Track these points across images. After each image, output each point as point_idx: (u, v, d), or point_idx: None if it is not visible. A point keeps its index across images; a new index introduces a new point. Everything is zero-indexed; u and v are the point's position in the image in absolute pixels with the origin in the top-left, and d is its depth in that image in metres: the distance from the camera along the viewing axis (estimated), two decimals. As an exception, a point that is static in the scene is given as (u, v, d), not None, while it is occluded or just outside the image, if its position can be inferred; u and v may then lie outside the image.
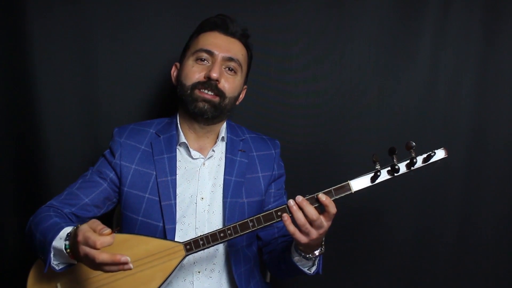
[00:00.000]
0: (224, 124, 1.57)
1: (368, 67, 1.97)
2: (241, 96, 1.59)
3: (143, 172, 1.46)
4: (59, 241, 1.20)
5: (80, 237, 1.09)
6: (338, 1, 1.94)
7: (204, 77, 1.44)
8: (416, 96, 1.99)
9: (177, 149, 1.50)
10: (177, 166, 1.48)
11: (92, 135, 1.91)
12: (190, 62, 1.48)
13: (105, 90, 1.90)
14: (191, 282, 1.45)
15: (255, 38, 1.92)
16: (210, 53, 1.46)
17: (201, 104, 1.44)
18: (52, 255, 1.21)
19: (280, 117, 1.98)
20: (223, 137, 1.53)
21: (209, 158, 1.51)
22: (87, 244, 1.08)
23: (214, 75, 1.42)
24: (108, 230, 1.10)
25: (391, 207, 2.03)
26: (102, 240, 1.06)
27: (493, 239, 2.02)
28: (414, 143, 1.20)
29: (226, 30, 1.50)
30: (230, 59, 1.47)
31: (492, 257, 2.03)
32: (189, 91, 1.45)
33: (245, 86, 1.60)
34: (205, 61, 1.46)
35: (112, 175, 1.48)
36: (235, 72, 1.49)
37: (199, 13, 1.56)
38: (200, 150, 1.52)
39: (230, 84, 1.47)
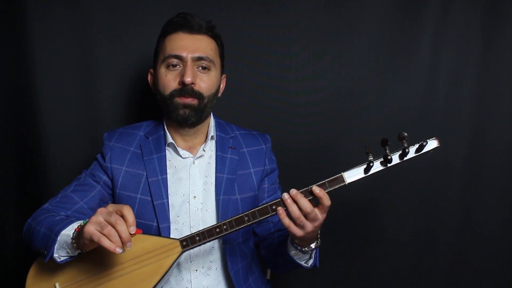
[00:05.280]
0: (212, 123, 1.56)
1: (368, 67, 1.98)
2: (221, 86, 1.57)
3: (134, 173, 1.47)
4: (69, 230, 1.23)
5: (110, 208, 1.16)
6: (337, 0, 1.95)
7: (179, 83, 1.42)
8: (416, 96, 1.98)
9: (166, 149, 1.50)
10: (167, 165, 1.48)
11: (92, 135, 1.91)
12: (162, 70, 1.46)
13: (105, 91, 1.91)
14: (189, 281, 1.45)
15: (255, 38, 1.95)
16: (178, 57, 1.42)
17: (182, 112, 1.43)
18: (56, 245, 1.23)
19: (279, 115, 1.98)
20: (212, 136, 1.53)
21: (199, 157, 1.51)
22: (112, 214, 1.14)
23: (188, 79, 1.40)
24: (136, 230, 1.16)
25: (391, 206, 2.02)
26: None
27: (493, 238, 2.01)
28: (406, 134, 1.20)
29: (190, 28, 1.45)
30: (200, 58, 1.43)
31: (492, 257, 2.02)
32: (168, 100, 1.44)
33: (224, 75, 1.58)
34: (177, 66, 1.43)
35: (105, 178, 1.49)
36: (208, 69, 1.46)
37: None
38: (189, 149, 1.52)
39: (206, 83, 1.44)
